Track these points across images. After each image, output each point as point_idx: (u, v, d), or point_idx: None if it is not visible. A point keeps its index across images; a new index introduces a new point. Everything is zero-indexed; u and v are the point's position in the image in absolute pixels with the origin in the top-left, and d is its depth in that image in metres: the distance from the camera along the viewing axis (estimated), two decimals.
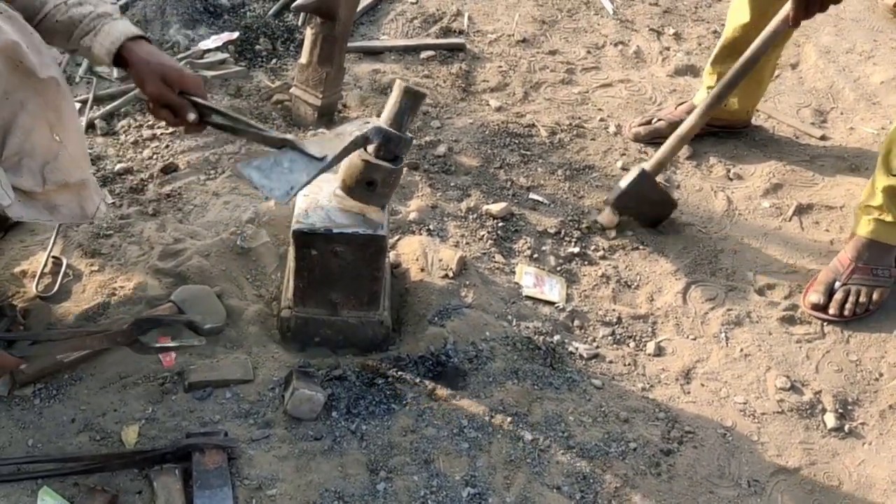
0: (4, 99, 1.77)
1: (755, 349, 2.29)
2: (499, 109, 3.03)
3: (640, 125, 2.97)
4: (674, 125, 2.88)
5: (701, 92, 2.92)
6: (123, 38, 1.89)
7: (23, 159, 1.85)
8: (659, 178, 2.78)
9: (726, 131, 2.98)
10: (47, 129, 1.88)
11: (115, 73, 2.99)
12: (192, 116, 1.84)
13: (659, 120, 2.94)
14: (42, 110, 1.87)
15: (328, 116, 2.86)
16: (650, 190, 2.59)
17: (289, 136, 1.86)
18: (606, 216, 2.60)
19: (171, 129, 2.76)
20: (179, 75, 1.85)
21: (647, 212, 2.62)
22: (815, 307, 2.40)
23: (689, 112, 2.88)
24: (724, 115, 2.90)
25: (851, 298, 2.39)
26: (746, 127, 3.02)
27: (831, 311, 2.38)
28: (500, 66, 3.23)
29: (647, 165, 2.58)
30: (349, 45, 3.00)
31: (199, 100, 1.86)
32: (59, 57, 2.99)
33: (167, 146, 2.71)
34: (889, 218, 2.40)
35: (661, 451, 1.99)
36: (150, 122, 2.80)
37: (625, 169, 2.82)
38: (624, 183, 2.57)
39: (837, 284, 2.41)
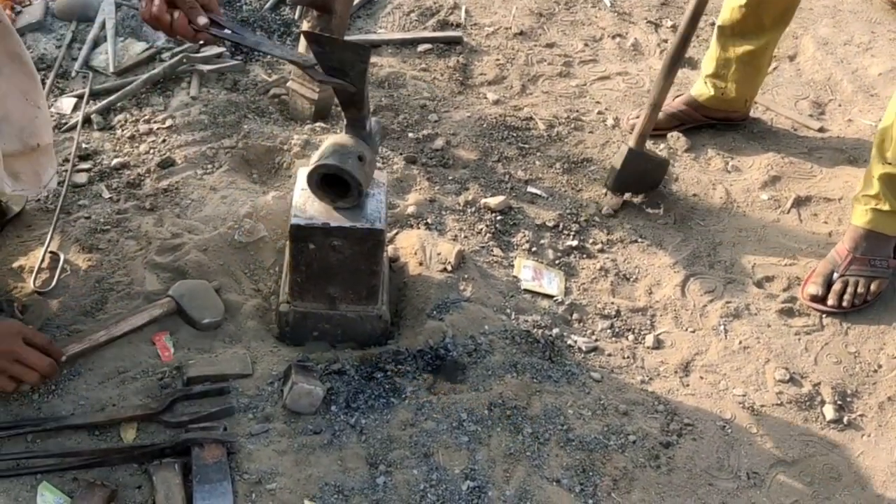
0: None
1: (754, 341, 2.29)
2: (496, 103, 3.02)
3: (637, 117, 2.96)
4: (672, 116, 2.92)
5: (699, 83, 2.93)
6: None
7: (0, 125, 1.85)
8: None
9: (724, 123, 2.98)
10: (21, 95, 1.88)
11: (112, 66, 2.99)
12: (202, 21, 1.72)
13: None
14: (17, 76, 1.87)
15: (325, 110, 2.85)
16: (641, 161, 2.65)
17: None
18: (610, 201, 2.65)
19: (167, 123, 2.75)
20: None
21: (645, 180, 2.68)
22: (814, 299, 2.40)
23: (687, 104, 2.92)
24: (723, 106, 2.90)
25: (850, 290, 2.39)
26: (745, 119, 3.01)
27: (829, 302, 2.38)
28: (498, 60, 3.22)
29: (630, 142, 2.61)
30: (346, 38, 2.99)
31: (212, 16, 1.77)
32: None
33: (164, 140, 2.70)
34: (886, 207, 2.40)
35: (661, 443, 1.99)
36: (146, 117, 2.79)
37: None
38: (616, 165, 2.63)
39: (835, 276, 2.41)
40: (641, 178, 2.66)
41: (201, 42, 1.86)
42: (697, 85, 2.94)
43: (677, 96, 2.99)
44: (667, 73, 2.53)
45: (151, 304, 2.11)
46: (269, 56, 3.10)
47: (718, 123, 2.97)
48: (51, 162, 2.05)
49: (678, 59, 2.52)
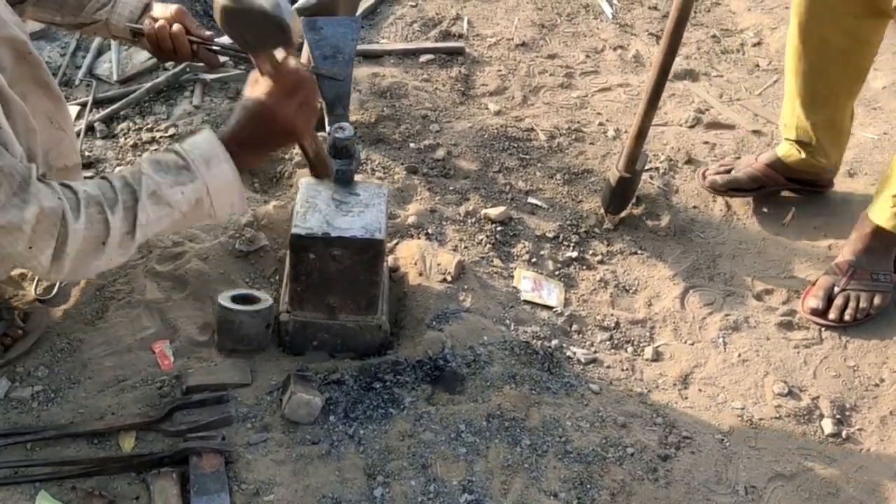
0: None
1: (753, 354, 2.29)
2: (498, 113, 3.03)
3: (717, 173, 2.75)
4: (754, 178, 2.70)
5: (784, 144, 2.69)
6: (141, 6, 2.04)
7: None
8: (657, 183, 2.79)
9: (810, 189, 2.75)
10: (45, 119, 1.92)
11: (116, 75, 3.00)
12: (207, 32, 2.04)
13: (738, 171, 2.73)
14: (41, 100, 1.91)
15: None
16: (634, 182, 2.59)
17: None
18: (612, 219, 2.64)
19: (170, 132, 2.77)
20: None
21: (635, 189, 2.64)
22: (815, 312, 2.39)
23: (769, 164, 2.69)
24: (812, 168, 2.68)
25: (851, 304, 2.38)
26: (830, 185, 2.78)
27: (831, 316, 2.37)
28: (500, 70, 3.23)
29: (621, 169, 2.52)
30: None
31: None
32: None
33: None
34: None
35: (659, 456, 1.99)
36: (149, 126, 2.80)
37: None
38: (610, 191, 2.57)
39: (836, 290, 2.40)
40: (632, 193, 2.64)
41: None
42: (783, 146, 2.70)
43: (760, 155, 2.76)
44: (650, 103, 2.44)
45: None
46: None
47: (803, 189, 2.75)
48: (79, 178, 2.10)
49: (660, 90, 2.43)
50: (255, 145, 1.77)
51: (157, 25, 1.97)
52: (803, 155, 2.64)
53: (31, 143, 1.77)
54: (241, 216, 2.41)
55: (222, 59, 3.10)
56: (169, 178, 1.67)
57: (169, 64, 3.04)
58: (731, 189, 2.73)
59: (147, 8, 2.07)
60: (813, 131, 2.58)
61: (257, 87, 1.77)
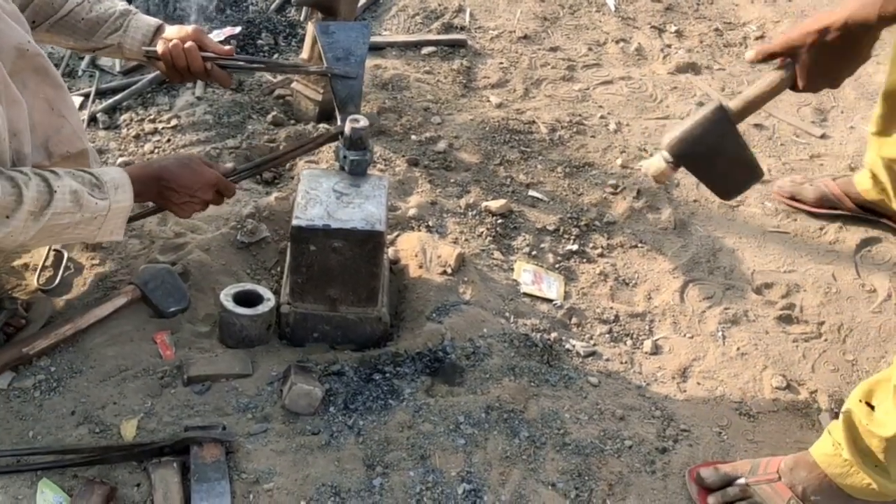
0: (10, 79, 1.81)
1: (752, 348, 2.30)
2: (499, 106, 3.03)
3: (789, 181, 2.72)
4: (822, 196, 2.64)
5: (865, 172, 2.58)
6: (153, 29, 2.09)
7: (27, 135, 1.90)
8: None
9: (882, 222, 2.62)
10: (46, 105, 1.96)
11: (119, 66, 3.00)
12: (227, 47, 2.12)
13: (806, 184, 2.68)
14: (40, 87, 1.94)
15: (329, 112, 2.86)
16: (729, 139, 1.71)
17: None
18: (656, 164, 1.75)
19: (172, 123, 2.78)
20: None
21: (717, 171, 1.76)
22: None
23: (843, 190, 2.63)
24: (882, 208, 2.56)
25: None
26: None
27: None
28: (501, 63, 3.24)
29: (730, 103, 1.71)
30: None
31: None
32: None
33: (168, 140, 2.72)
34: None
35: (657, 449, 2.00)
36: (151, 116, 2.81)
37: (624, 167, 2.82)
38: (691, 121, 1.70)
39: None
40: (711, 161, 1.74)
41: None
42: (863, 173, 2.59)
43: (838, 178, 2.69)
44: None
45: (115, 293, 2.11)
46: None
47: (872, 217, 2.61)
48: (96, 161, 2.15)
49: None
50: (144, 194, 1.97)
51: (170, 44, 2.02)
52: (875, 194, 2.54)
53: (11, 115, 1.80)
54: (243, 207, 2.42)
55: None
56: (86, 188, 1.83)
57: None
58: (793, 197, 2.66)
59: (159, 30, 2.10)
60: (885, 169, 2.44)
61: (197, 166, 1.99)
